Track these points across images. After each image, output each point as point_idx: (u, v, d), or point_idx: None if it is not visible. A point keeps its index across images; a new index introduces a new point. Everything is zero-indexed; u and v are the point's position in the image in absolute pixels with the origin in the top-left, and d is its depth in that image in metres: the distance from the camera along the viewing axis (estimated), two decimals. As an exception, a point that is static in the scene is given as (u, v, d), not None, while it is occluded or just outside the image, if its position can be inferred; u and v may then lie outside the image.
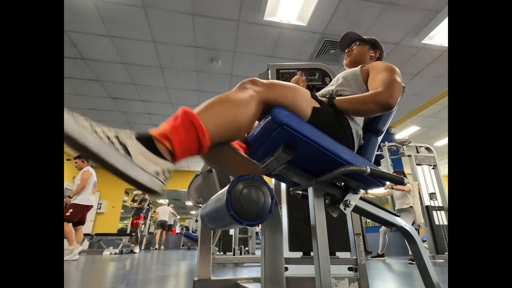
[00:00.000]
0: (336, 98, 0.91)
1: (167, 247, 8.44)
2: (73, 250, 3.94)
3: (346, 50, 1.25)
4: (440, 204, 4.55)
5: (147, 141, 0.57)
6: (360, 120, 0.99)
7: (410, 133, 6.24)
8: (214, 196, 0.76)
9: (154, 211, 9.94)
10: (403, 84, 1.01)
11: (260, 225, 0.84)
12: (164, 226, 8.05)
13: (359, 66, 1.10)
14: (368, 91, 1.00)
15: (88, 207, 4.27)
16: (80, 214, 4.19)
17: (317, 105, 0.86)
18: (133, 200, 6.73)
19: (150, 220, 9.43)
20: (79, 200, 4.14)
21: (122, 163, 0.52)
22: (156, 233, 8.13)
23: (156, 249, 7.82)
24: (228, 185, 0.67)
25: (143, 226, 7.30)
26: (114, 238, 6.35)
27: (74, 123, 0.51)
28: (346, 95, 1.02)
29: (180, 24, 3.14)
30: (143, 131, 0.58)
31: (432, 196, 4.60)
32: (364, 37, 1.24)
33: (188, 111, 0.60)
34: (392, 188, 4.38)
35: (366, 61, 1.21)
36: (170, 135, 0.58)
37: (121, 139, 0.54)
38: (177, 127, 0.59)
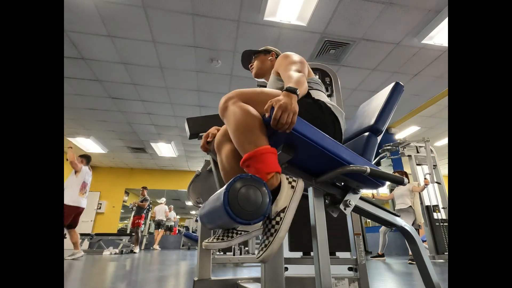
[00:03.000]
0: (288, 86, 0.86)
1: (168, 247, 8.43)
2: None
3: (250, 66, 1.44)
4: (442, 210, 4.49)
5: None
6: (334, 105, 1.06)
7: (410, 133, 6.24)
8: (212, 196, 0.77)
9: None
10: (304, 60, 1.14)
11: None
12: (159, 225, 8.00)
13: (272, 74, 1.22)
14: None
15: (78, 209, 4.03)
16: (70, 217, 3.94)
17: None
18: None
19: (149, 220, 9.43)
20: (68, 200, 3.91)
21: (291, 215, 0.74)
22: (155, 233, 8.12)
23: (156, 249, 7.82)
24: (226, 184, 0.67)
25: (143, 226, 7.29)
26: (114, 238, 6.35)
27: (268, 252, 0.68)
28: None
29: (180, 24, 3.14)
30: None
31: (435, 208, 4.52)
32: (257, 49, 1.43)
33: (248, 156, 0.76)
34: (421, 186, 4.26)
35: (268, 65, 1.37)
36: (263, 170, 0.74)
37: (272, 216, 0.73)
38: (258, 166, 0.74)
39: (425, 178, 4.22)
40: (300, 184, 0.77)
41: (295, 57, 1.14)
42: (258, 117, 0.79)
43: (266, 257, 0.68)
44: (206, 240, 0.90)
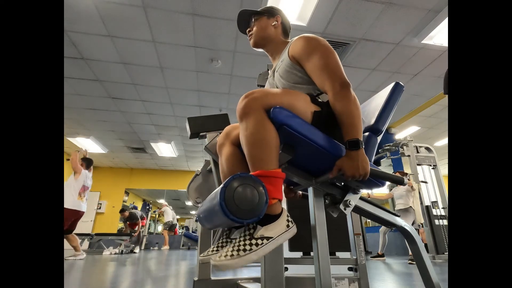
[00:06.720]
0: (350, 141, 0.80)
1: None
2: None
3: (248, 31, 1.18)
4: (442, 209, 4.50)
5: (265, 217, 0.72)
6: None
7: (410, 133, 6.24)
8: (209, 196, 0.77)
9: (154, 211, 9.94)
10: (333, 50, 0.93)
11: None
12: (171, 227, 8.04)
13: (286, 57, 1.01)
14: (304, 71, 0.96)
15: (78, 213, 3.91)
16: (69, 221, 3.83)
17: (318, 108, 0.87)
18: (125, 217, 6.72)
19: (150, 220, 9.45)
20: (67, 204, 3.77)
21: (271, 247, 0.70)
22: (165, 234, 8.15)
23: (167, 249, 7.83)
24: (222, 183, 0.67)
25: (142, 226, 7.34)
26: (114, 238, 6.35)
27: (230, 262, 0.66)
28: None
29: (180, 24, 3.14)
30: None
31: (434, 204, 4.53)
32: (258, 10, 1.17)
33: (261, 173, 0.74)
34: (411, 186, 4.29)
35: (272, 33, 1.14)
36: (271, 195, 0.72)
37: (256, 236, 0.70)
38: (267, 187, 0.72)
39: (408, 179, 4.22)
40: (294, 228, 0.76)
41: (328, 49, 0.91)
42: (277, 136, 0.77)
43: (224, 266, 0.65)
44: (202, 254, 0.88)
